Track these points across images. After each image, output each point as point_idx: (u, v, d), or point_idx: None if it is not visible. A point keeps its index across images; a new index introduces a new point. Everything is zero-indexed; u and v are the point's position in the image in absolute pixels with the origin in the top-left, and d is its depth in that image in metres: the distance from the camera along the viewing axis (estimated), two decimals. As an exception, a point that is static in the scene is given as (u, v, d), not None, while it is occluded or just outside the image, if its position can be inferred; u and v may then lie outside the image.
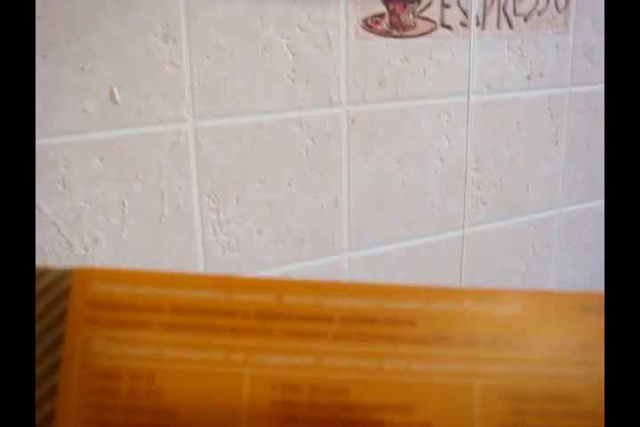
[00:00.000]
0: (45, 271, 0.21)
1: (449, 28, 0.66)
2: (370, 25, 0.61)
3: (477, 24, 0.67)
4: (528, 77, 0.72)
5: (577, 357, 0.20)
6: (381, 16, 0.61)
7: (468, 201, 0.72)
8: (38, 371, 0.20)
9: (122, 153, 0.53)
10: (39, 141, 0.50)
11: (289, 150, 0.60)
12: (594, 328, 0.20)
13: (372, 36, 0.61)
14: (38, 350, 0.20)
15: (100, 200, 0.53)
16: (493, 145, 0.72)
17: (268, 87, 0.58)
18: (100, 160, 0.52)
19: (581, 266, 0.84)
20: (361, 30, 0.61)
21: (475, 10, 0.66)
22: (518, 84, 0.71)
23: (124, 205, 0.54)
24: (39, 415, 0.20)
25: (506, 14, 0.68)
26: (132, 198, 0.54)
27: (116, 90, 0.52)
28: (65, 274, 0.21)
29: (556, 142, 0.76)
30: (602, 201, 0.82)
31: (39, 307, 0.20)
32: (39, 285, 0.21)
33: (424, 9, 0.63)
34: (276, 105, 0.59)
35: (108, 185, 0.53)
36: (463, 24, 0.66)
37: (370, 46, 0.62)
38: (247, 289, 0.21)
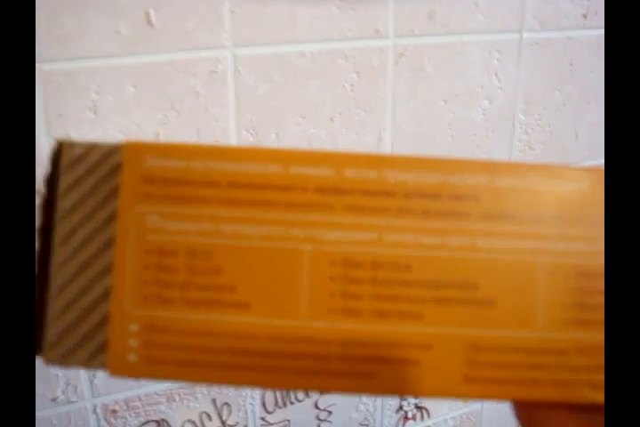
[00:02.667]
0: (93, 147, 0.20)
1: (504, -41, 0.62)
2: (422, -48, 0.58)
3: (534, -44, 0.63)
4: (584, 16, 0.68)
5: None
6: (435, -58, 0.58)
7: (515, 145, 0.69)
8: (91, 249, 0.20)
9: (156, 80, 0.51)
10: (69, 64, 0.48)
11: (332, 84, 0.57)
12: None
13: (423, -37, 0.58)
14: (89, 228, 0.20)
15: (133, 130, 0.51)
16: (544, 87, 0.68)
17: (313, 15, 0.55)
18: (134, 87, 0.50)
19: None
20: (412, -43, 0.57)
21: (533, -61, 0.63)
22: (573, 23, 0.68)
23: (158, 135, 0.52)
24: (95, 293, 0.20)
25: (565, -54, 0.65)
26: (166, 129, 0.52)
27: (151, 11, 0.49)
28: (115, 149, 0.20)
29: (609, 87, 0.72)
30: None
31: (88, 184, 0.20)
32: (87, 161, 0.20)
33: (480, -64, 0.60)
34: (321, 34, 0.56)
35: (141, 114, 0.51)
36: (519, -45, 0.63)
37: (421, -25, 0.58)
38: (306, 162, 0.20)
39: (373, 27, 0.57)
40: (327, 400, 0.70)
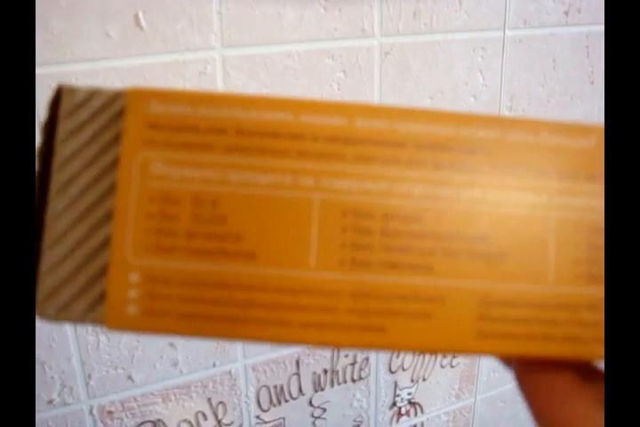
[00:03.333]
0: (96, 92, 0.19)
1: (486, -43, 0.63)
2: (405, -48, 0.58)
3: (515, -46, 0.64)
4: (565, 13, 0.69)
5: None
6: (417, -58, 0.58)
7: (501, 141, 0.69)
8: (90, 197, 0.19)
9: (147, 81, 0.51)
10: (62, 68, 0.48)
11: (320, 83, 0.58)
12: None
13: (406, -37, 0.59)
14: (89, 175, 0.19)
15: (124, 131, 0.51)
16: (528, 83, 0.69)
17: (300, 15, 0.55)
18: (125, 89, 0.50)
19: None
20: (396, -43, 0.58)
21: (514, -62, 0.63)
22: (555, 20, 0.68)
23: (149, 136, 0.52)
24: (94, 242, 0.19)
25: (546, -56, 0.65)
26: (157, 130, 0.52)
27: (141, 14, 0.49)
28: (118, 95, 0.19)
29: (592, 82, 0.73)
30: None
31: (89, 131, 0.19)
32: (89, 107, 0.19)
33: None
34: (307, 34, 0.56)
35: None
36: (501, -46, 0.63)
37: (404, -26, 0.59)
38: (317, 111, 0.19)
39: (359, 26, 0.58)
40: (321, 397, 0.71)
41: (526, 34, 0.67)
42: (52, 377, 0.56)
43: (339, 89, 0.59)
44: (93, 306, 0.19)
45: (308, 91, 0.58)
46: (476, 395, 0.81)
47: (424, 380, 0.76)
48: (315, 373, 0.69)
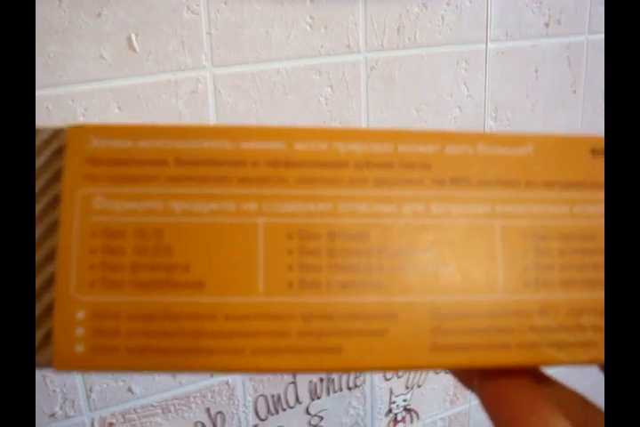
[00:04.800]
0: (37, 131, 0.19)
1: (466, -27, 0.64)
2: (387, -30, 0.60)
3: (495, -31, 0.66)
4: (546, 24, 0.70)
5: (590, 196, 0.20)
6: (399, -40, 0.60)
7: (487, 151, 0.71)
8: (35, 235, 0.19)
9: (140, 101, 0.52)
10: (57, 90, 0.49)
11: (308, 98, 0.59)
12: (604, 169, 0.21)
13: (389, -19, 0.60)
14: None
15: (119, 150, 0.52)
16: (512, 94, 0.71)
17: (287, 34, 0.57)
18: (119, 109, 0.52)
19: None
20: (378, -25, 0.59)
21: (493, -46, 0.65)
22: (536, 32, 0.70)
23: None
24: (39, 281, 0.18)
25: (524, -42, 0.67)
26: (151, 148, 0.53)
27: (133, 37, 0.51)
28: (58, 132, 0.19)
29: (574, 91, 0.75)
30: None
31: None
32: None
33: (442, -47, 0.62)
34: (295, 52, 0.58)
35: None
36: (481, -31, 0.65)
37: (388, -8, 0.60)
38: (256, 137, 0.19)
39: (344, 42, 0.60)
40: (318, 406, 0.71)
41: (508, 46, 0.69)
42: (54, 390, 0.57)
43: (326, 104, 0.60)
44: (40, 348, 0.18)
45: (296, 106, 0.59)
46: (471, 400, 0.82)
47: (419, 386, 0.77)
48: (311, 381, 0.70)
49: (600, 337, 0.19)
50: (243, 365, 0.18)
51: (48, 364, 0.18)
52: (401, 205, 0.20)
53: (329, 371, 0.19)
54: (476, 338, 0.19)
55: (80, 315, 0.18)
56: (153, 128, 0.19)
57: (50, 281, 0.18)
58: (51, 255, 0.19)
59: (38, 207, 0.19)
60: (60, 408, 0.58)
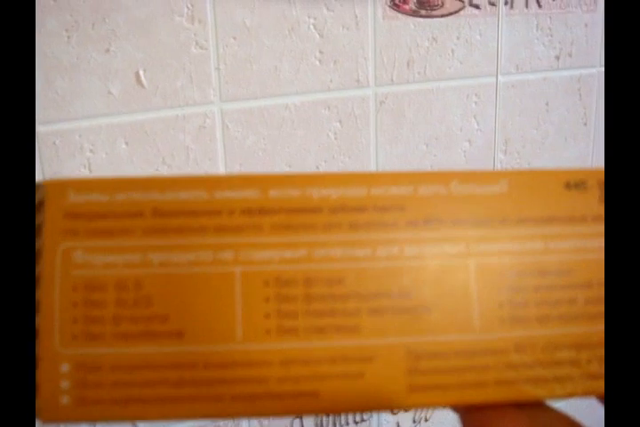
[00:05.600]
0: None
1: (477, 7, 0.64)
2: (397, 4, 0.60)
3: (506, 3, 0.66)
4: (557, 57, 0.70)
5: (565, 231, 0.20)
6: (409, -5, 0.60)
7: (497, 184, 0.71)
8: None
9: (148, 136, 0.52)
10: (65, 125, 0.49)
11: (317, 133, 0.59)
12: (579, 203, 0.21)
13: (399, 15, 0.60)
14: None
15: (126, 185, 0.52)
16: (522, 127, 0.71)
17: (296, 68, 0.57)
18: (127, 144, 0.52)
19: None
20: (388, 10, 0.59)
21: (504, -12, 0.65)
22: (547, 65, 0.70)
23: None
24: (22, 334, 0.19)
25: (535, -8, 0.67)
26: (158, 183, 0.53)
27: (141, 72, 0.51)
28: (36, 187, 0.20)
29: (585, 124, 0.75)
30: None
31: None
32: None
33: (452, -13, 0.62)
34: (304, 87, 0.58)
35: (134, 169, 0.52)
36: (491, 3, 0.65)
37: (397, 26, 0.60)
38: (230, 186, 0.20)
39: (354, 77, 0.60)
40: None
41: (519, 79, 0.69)
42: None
43: (335, 138, 0.60)
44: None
45: (305, 141, 0.59)
46: (479, 434, 0.81)
47: (426, 420, 0.77)
48: (317, 416, 0.69)
49: (576, 372, 0.19)
50: (223, 411, 0.19)
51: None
52: (375, 249, 0.20)
53: (307, 414, 0.19)
54: (453, 377, 0.19)
55: (64, 368, 0.19)
56: (129, 180, 0.20)
57: (32, 334, 0.19)
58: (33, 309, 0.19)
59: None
60: None
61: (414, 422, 0.76)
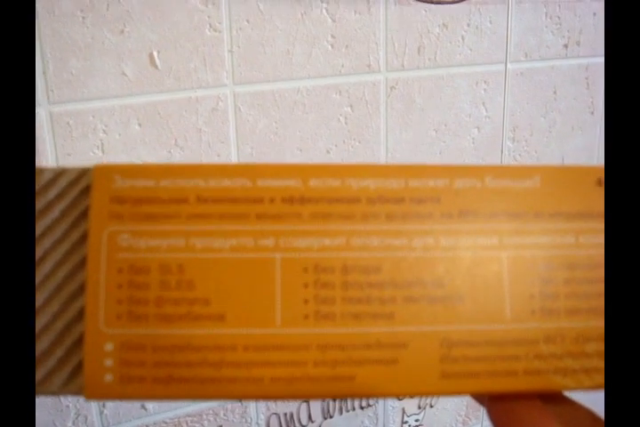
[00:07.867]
0: (63, 171, 0.20)
1: (487, -6, 0.64)
2: (409, -10, 0.60)
3: (516, -10, 0.66)
4: (565, 46, 0.70)
5: (595, 226, 0.21)
6: (421, -20, 0.60)
7: (505, 172, 0.71)
8: (63, 272, 0.20)
9: (161, 118, 0.52)
10: (78, 106, 0.49)
11: (328, 117, 0.59)
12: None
13: (411, 1, 0.60)
14: (61, 251, 0.20)
15: (139, 166, 0.52)
16: (530, 115, 0.71)
17: (308, 53, 0.57)
18: (140, 125, 0.52)
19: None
20: (400, -5, 0.60)
21: (514, -25, 0.65)
22: (555, 53, 0.70)
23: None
24: (69, 315, 0.20)
25: (545, -20, 0.67)
26: (171, 165, 0.53)
27: (155, 54, 0.51)
28: (84, 172, 0.20)
29: (592, 113, 0.75)
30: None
31: (58, 208, 0.20)
32: (57, 186, 0.20)
33: (464, -26, 0.62)
34: (315, 71, 0.58)
35: (146, 151, 0.53)
36: (502, -10, 0.65)
37: (409, 12, 0.60)
38: (272, 175, 0.20)
39: (365, 62, 0.60)
40: (330, 425, 0.71)
41: (527, 67, 0.69)
42: (67, 406, 0.57)
43: (346, 123, 0.60)
44: (71, 378, 0.19)
45: (316, 125, 0.59)
46: (483, 421, 0.82)
47: (431, 406, 0.77)
48: (324, 400, 0.70)
49: (604, 364, 0.20)
50: (262, 393, 0.19)
51: (78, 393, 0.19)
52: (412, 239, 0.20)
53: (343, 397, 0.21)
54: (484, 366, 0.20)
55: (108, 347, 0.19)
56: (175, 167, 0.20)
57: (80, 314, 0.20)
58: (80, 290, 0.20)
59: (68, 244, 0.20)
60: (73, 424, 0.58)
61: (419, 407, 0.76)
